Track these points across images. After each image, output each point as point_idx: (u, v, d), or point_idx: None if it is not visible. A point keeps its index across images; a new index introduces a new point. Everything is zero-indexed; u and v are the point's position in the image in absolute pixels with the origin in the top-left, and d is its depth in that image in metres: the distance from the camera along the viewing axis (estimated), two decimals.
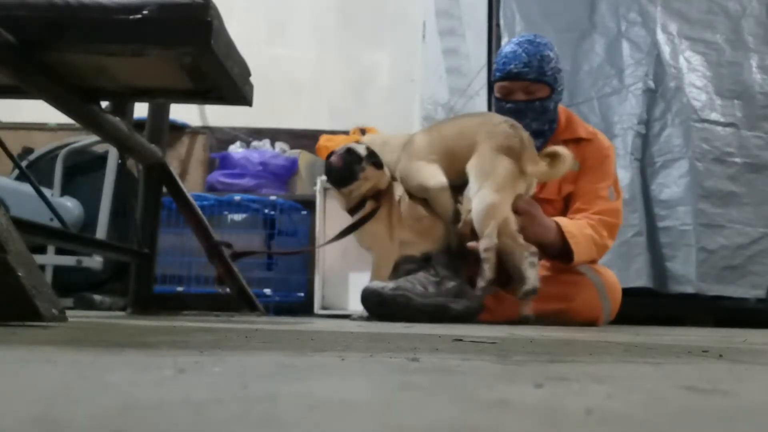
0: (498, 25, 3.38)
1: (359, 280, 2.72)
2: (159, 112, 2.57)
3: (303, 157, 4.19)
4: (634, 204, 3.09)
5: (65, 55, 1.62)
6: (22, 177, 3.02)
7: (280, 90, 4.53)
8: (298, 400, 0.40)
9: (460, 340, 1.07)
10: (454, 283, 2.20)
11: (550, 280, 2.25)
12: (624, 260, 3.03)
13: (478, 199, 2.13)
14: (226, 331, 1.17)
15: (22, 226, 1.59)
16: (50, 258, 3.25)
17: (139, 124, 2.40)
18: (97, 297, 3.10)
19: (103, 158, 3.40)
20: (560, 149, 2.14)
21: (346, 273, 3.43)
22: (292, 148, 4.32)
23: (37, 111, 3.22)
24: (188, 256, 3.44)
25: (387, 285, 2.18)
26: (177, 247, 3.43)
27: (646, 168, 3.22)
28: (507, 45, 2.50)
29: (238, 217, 3.69)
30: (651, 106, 3.26)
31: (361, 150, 2.32)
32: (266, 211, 3.66)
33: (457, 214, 2.24)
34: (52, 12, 1.52)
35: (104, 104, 2.02)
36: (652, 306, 3.12)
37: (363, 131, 4.04)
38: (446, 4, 4.06)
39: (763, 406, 0.44)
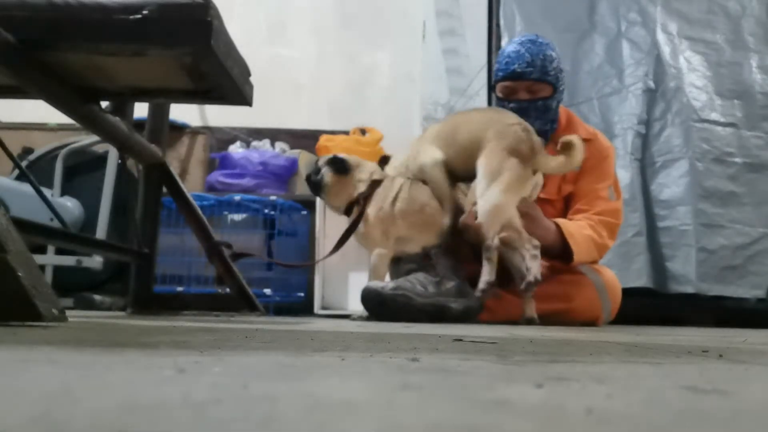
0: (498, 25, 3.38)
1: (359, 280, 2.72)
2: (159, 112, 2.57)
3: (303, 157, 4.18)
4: (634, 204, 3.09)
5: (65, 55, 1.62)
6: (22, 177, 3.02)
7: (280, 90, 4.53)
8: (298, 400, 0.40)
9: (460, 340, 1.07)
10: (454, 283, 2.20)
11: (550, 280, 2.25)
12: (624, 260, 3.03)
13: (486, 199, 2.12)
14: (226, 331, 1.17)
15: (22, 226, 1.60)
16: (50, 258, 3.25)
17: (139, 124, 2.40)
18: (97, 297, 3.10)
19: (103, 158, 3.39)
20: (573, 138, 2.13)
21: (346, 273, 3.43)
22: (292, 148, 4.31)
23: (37, 111, 3.22)
24: (188, 256, 3.44)
25: (387, 285, 2.18)
26: (177, 247, 3.43)
27: (646, 168, 3.22)
28: (509, 45, 2.50)
29: (238, 217, 3.69)
30: (651, 106, 3.26)
31: (322, 161, 2.48)
32: (266, 211, 3.66)
33: (456, 217, 2.23)
34: (52, 12, 1.52)
35: (104, 104, 2.02)
36: (652, 306, 3.12)
37: (363, 131, 4.04)
38: (446, 4, 4.06)
39: (763, 406, 0.44)
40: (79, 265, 3.22)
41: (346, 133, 4.05)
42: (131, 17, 1.51)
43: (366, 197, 2.37)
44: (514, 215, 2.15)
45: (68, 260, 3.22)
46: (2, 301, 1.04)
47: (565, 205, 2.44)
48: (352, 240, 2.44)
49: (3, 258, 1.04)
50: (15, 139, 3.61)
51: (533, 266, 2.11)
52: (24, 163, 3.33)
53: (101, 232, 3.22)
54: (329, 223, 3.46)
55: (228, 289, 2.55)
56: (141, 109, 2.48)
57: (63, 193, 3.45)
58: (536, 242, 2.14)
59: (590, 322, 2.28)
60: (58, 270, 3.31)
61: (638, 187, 3.16)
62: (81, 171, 3.52)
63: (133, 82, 1.89)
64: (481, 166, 2.17)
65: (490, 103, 3.21)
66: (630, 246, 3.06)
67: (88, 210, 3.46)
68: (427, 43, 4.40)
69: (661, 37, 3.31)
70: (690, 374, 0.64)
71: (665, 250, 3.14)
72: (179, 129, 4.03)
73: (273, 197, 3.69)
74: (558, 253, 2.27)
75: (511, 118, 2.22)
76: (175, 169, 3.26)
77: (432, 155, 2.27)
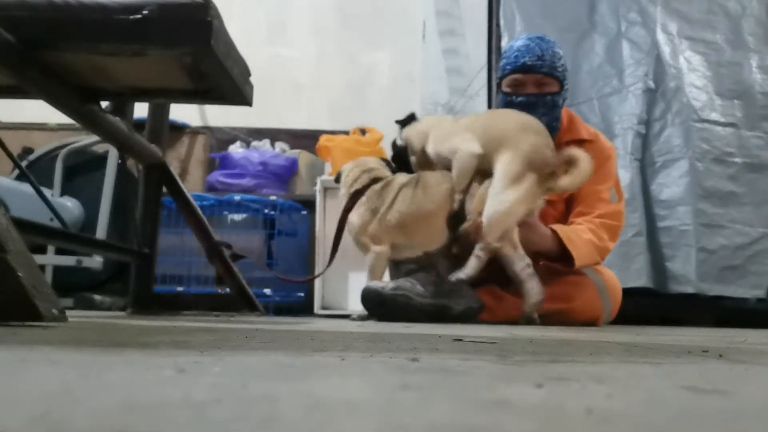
0: (498, 25, 3.38)
1: (359, 280, 2.72)
2: (159, 112, 2.57)
3: (303, 157, 4.18)
4: (634, 204, 3.09)
5: (65, 55, 1.63)
6: (22, 177, 3.02)
7: (280, 90, 4.53)
8: (298, 400, 0.40)
9: (460, 340, 1.07)
10: (454, 283, 2.20)
11: (550, 280, 2.25)
12: (624, 260, 3.03)
13: (497, 202, 2.10)
14: (226, 331, 1.17)
15: (22, 226, 1.59)
16: (50, 258, 3.25)
17: (139, 124, 2.40)
18: (97, 297, 3.10)
19: (103, 158, 3.40)
20: (575, 152, 2.11)
21: (346, 273, 3.43)
22: (292, 148, 4.31)
23: (37, 111, 3.22)
24: (188, 256, 3.44)
25: (387, 285, 2.18)
26: (177, 247, 3.43)
27: (646, 168, 3.22)
28: (517, 40, 2.50)
29: (238, 217, 3.69)
30: (651, 106, 3.26)
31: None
32: (266, 211, 3.66)
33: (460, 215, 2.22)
34: (52, 12, 1.52)
35: (104, 104, 2.02)
36: (652, 306, 3.11)
37: (363, 131, 4.04)
38: (446, 4, 4.06)
39: (763, 406, 0.44)
40: (79, 265, 3.22)
41: (346, 133, 4.06)
42: (131, 17, 1.51)
43: (357, 193, 2.35)
44: (514, 227, 2.15)
45: (68, 260, 3.23)
46: (2, 301, 1.04)
47: (566, 207, 2.44)
48: (352, 240, 2.44)
49: (3, 258, 1.04)
50: (15, 139, 3.62)
51: (533, 285, 2.12)
52: (24, 163, 3.33)
53: (101, 232, 3.22)
54: (329, 223, 3.46)
55: (228, 289, 2.55)
56: (141, 109, 2.48)
57: (63, 193, 3.45)
58: (528, 260, 2.15)
59: (590, 322, 2.27)
60: (58, 270, 3.31)
61: (638, 187, 3.16)
62: (81, 171, 3.52)
63: (133, 82, 1.89)
64: (501, 166, 2.14)
65: (490, 103, 3.20)
66: (630, 246, 3.06)
67: (88, 210, 3.46)
68: (427, 43, 4.40)
69: (661, 37, 3.31)
70: (690, 374, 0.64)
71: (665, 250, 3.14)
72: (179, 129, 4.03)
73: (273, 197, 3.69)
74: (558, 259, 2.27)
75: (543, 135, 2.18)
76: (175, 169, 3.26)
77: (472, 146, 2.20)
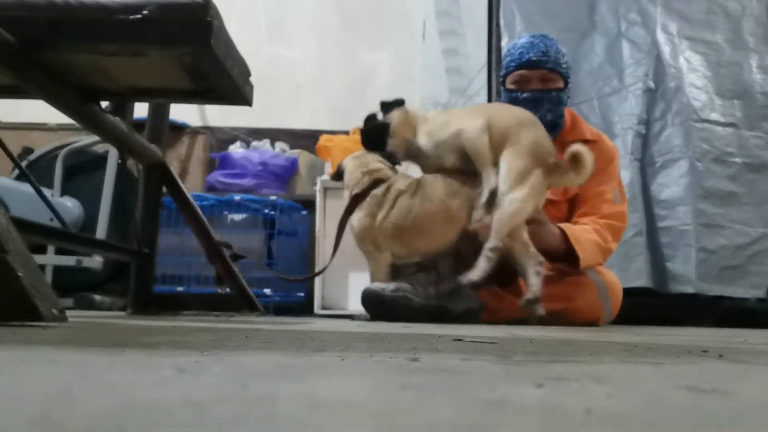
0: (498, 25, 3.37)
1: (359, 280, 2.72)
2: (159, 112, 2.57)
3: (303, 157, 4.18)
4: (634, 204, 3.09)
5: (65, 55, 1.63)
6: (22, 177, 3.02)
7: (280, 90, 4.53)
8: (298, 400, 0.40)
9: (460, 340, 1.07)
10: (455, 284, 2.20)
11: (551, 280, 2.24)
12: (624, 260, 3.03)
13: (506, 202, 2.09)
14: (226, 331, 1.17)
15: (22, 226, 1.60)
16: (50, 258, 3.25)
17: (139, 124, 2.40)
18: (97, 297, 3.10)
19: (103, 158, 3.40)
20: (580, 149, 2.10)
21: (346, 273, 3.43)
22: (292, 148, 4.31)
23: (37, 111, 3.22)
24: (188, 256, 3.44)
25: (387, 286, 2.18)
26: (177, 247, 3.43)
27: (646, 168, 3.22)
28: (521, 38, 2.52)
29: (238, 217, 3.69)
30: (651, 106, 3.26)
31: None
32: (266, 211, 3.66)
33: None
34: (52, 12, 1.52)
35: (104, 104, 2.02)
36: (652, 306, 3.11)
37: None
38: (446, 4, 4.06)
39: (763, 406, 0.44)
40: (79, 265, 3.22)
41: (346, 133, 4.05)
42: (131, 17, 1.51)
43: (357, 197, 2.34)
44: (523, 226, 2.14)
45: (68, 260, 3.22)
46: (2, 301, 1.04)
47: (570, 207, 2.43)
48: (352, 240, 2.44)
49: (3, 258, 1.04)
50: (15, 139, 3.62)
51: (535, 283, 2.11)
52: (24, 163, 3.33)
53: (101, 232, 3.22)
54: (329, 223, 3.46)
55: (228, 289, 2.55)
56: (141, 109, 2.48)
57: (63, 193, 3.45)
58: (541, 258, 2.13)
59: (591, 322, 2.27)
60: (58, 270, 3.31)
61: (638, 187, 3.16)
62: (81, 171, 3.52)
63: (133, 82, 1.89)
64: (506, 163, 2.13)
65: (490, 102, 3.20)
66: (630, 246, 3.06)
67: (88, 210, 3.46)
68: (427, 43, 4.40)
69: (661, 37, 3.31)
70: (690, 374, 0.64)
71: (665, 250, 3.14)
72: (179, 129, 4.03)
73: (273, 197, 3.69)
74: (563, 258, 2.27)
75: (539, 126, 2.19)
76: (175, 169, 3.26)
77: (474, 123, 2.17)
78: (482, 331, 1.45)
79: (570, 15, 3.42)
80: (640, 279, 3.04)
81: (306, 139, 4.35)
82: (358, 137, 3.94)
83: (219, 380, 0.49)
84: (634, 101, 3.26)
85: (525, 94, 2.37)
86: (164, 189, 2.53)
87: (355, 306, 2.75)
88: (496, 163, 2.17)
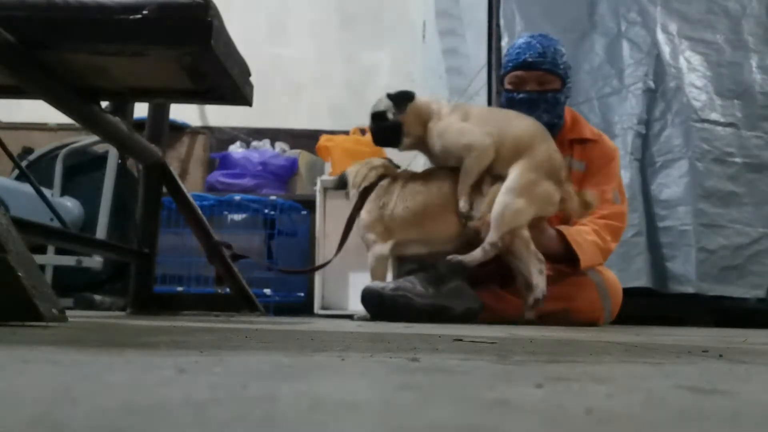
0: (498, 25, 3.38)
1: (359, 280, 2.72)
2: (159, 112, 2.57)
3: (303, 157, 4.18)
4: (634, 204, 3.09)
5: (65, 55, 1.62)
6: (22, 177, 3.02)
7: (280, 90, 4.53)
8: (298, 400, 0.40)
9: (460, 340, 1.07)
10: (455, 284, 2.20)
11: (551, 280, 2.24)
12: (624, 260, 3.03)
13: (508, 198, 2.12)
14: (226, 331, 1.17)
15: (22, 226, 1.60)
16: (50, 258, 3.25)
17: (139, 124, 2.40)
18: (97, 297, 3.10)
19: (103, 158, 3.40)
20: (592, 199, 2.19)
21: (346, 273, 3.43)
22: (292, 148, 4.31)
23: (37, 111, 3.22)
24: (188, 256, 3.44)
25: (387, 285, 2.18)
26: (177, 247, 3.43)
27: (646, 168, 3.22)
28: (519, 38, 2.52)
29: (238, 217, 3.69)
30: (651, 106, 3.26)
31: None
32: (266, 211, 3.66)
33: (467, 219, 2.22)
34: (52, 12, 1.52)
35: (104, 104, 2.02)
36: (652, 306, 3.11)
37: (363, 131, 4.04)
38: (446, 4, 4.06)
39: (763, 406, 0.44)
40: (79, 265, 3.22)
41: (346, 133, 4.05)
42: (131, 17, 1.51)
43: (366, 190, 2.36)
44: (525, 226, 2.16)
45: (68, 260, 3.23)
46: (2, 301, 1.04)
47: None
48: (352, 240, 2.44)
49: (3, 258, 1.04)
50: (15, 139, 3.62)
51: (540, 282, 2.12)
52: (24, 163, 3.33)
53: (101, 232, 3.22)
54: (329, 223, 3.46)
55: (228, 289, 2.55)
56: (141, 109, 2.48)
57: (63, 193, 3.45)
58: (541, 257, 2.15)
59: (591, 323, 2.27)
60: (58, 270, 3.31)
61: (638, 187, 3.16)
62: (81, 171, 3.52)
63: (133, 82, 1.89)
64: (517, 169, 2.16)
65: (490, 103, 3.20)
66: (630, 246, 3.06)
67: (88, 210, 3.46)
68: (427, 43, 4.40)
69: (661, 37, 3.31)
70: (690, 374, 0.64)
71: (665, 250, 3.14)
72: (179, 129, 4.03)
73: (273, 197, 3.69)
74: (563, 260, 2.27)
75: (550, 140, 2.23)
76: (175, 169, 3.26)
77: (486, 144, 2.21)
78: (482, 331, 1.45)
79: (570, 15, 3.42)
80: (640, 279, 3.03)
81: (306, 139, 4.35)
82: (358, 137, 3.96)
83: (219, 380, 0.49)
84: (634, 101, 3.26)
85: (521, 95, 2.37)
86: (164, 189, 2.53)
87: (355, 306, 2.75)
88: (501, 177, 2.21)
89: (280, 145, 4.29)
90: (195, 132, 4.19)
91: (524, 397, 0.44)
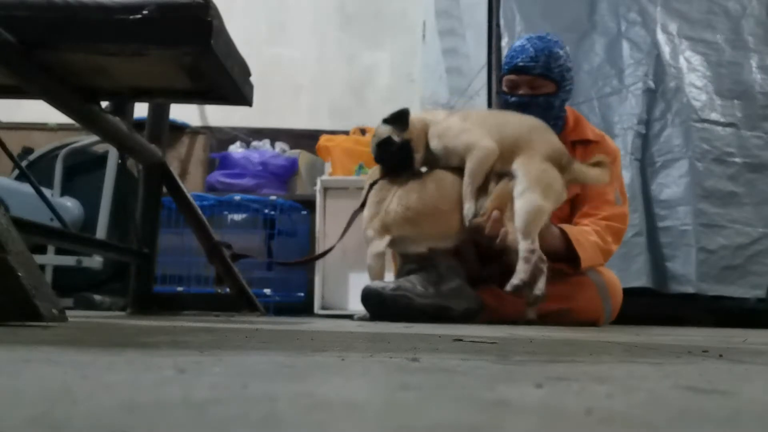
0: (498, 25, 3.38)
1: (359, 280, 2.72)
2: (159, 112, 2.57)
3: (303, 157, 4.18)
4: (634, 204, 3.09)
5: (65, 55, 1.62)
6: (22, 177, 3.02)
7: (280, 90, 4.53)
8: (298, 400, 0.40)
9: (460, 340, 1.07)
10: (455, 284, 2.20)
11: (551, 280, 2.24)
12: (624, 260, 3.03)
13: (529, 200, 2.11)
14: (226, 331, 1.17)
15: (22, 226, 1.60)
16: (50, 258, 3.25)
17: (139, 124, 2.40)
18: (97, 297, 3.10)
19: (103, 158, 3.40)
20: (604, 158, 2.18)
21: (346, 273, 3.43)
22: (292, 148, 4.31)
23: (37, 111, 3.22)
24: (188, 256, 3.44)
25: (387, 285, 2.18)
26: (177, 247, 3.43)
27: (646, 168, 3.22)
28: (518, 40, 2.51)
29: (238, 217, 3.69)
30: (651, 106, 3.26)
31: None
32: (266, 211, 3.66)
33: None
34: (52, 12, 1.52)
35: (104, 104, 2.02)
36: (652, 306, 3.11)
37: (363, 131, 4.04)
38: (446, 4, 4.06)
39: (763, 406, 0.44)
40: (79, 265, 3.22)
41: (346, 133, 4.05)
42: (131, 17, 1.51)
43: (373, 185, 2.36)
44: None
45: (68, 260, 3.23)
46: (2, 301, 1.04)
47: (571, 207, 2.43)
48: (352, 240, 2.44)
49: (3, 258, 1.04)
50: (15, 139, 3.62)
51: (540, 282, 2.12)
52: (24, 163, 3.33)
53: (101, 232, 3.22)
54: (329, 223, 3.46)
55: (227, 289, 2.55)
56: (141, 109, 2.48)
57: (63, 193, 3.45)
58: (544, 257, 2.15)
59: (591, 323, 2.27)
60: (58, 270, 3.31)
61: (638, 187, 3.16)
62: (81, 171, 3.52)
63: (133, 82, 1.89)
64: (522, 166, 2.16)
65: (490, 103, 3.21)
66: (630, 246, 3.06)
67: (88, 210, 3.46)
68: (427, 43, 4.40)
69: (661, 37, 3.31)
70: (690, 374, 0.64)
71: (665, 250, 3.14)
72: (179, 129, 4.03)
73: (273, 197, 3.69)
74: (564, 259, 2.27)
75: (550, 131, 2.24)
76: (175, 169, 3.26)
77: (489, 144, 2.22)
78: (482, 331, 1.45)
79: (570, 15, 3.42)
80: (640, 279, 3.03)
81: (306, 139, 4.35)
82: (358, 137, 3.96)
83: (219, 380, 0.49)
84: (634, 101, 3.26)
85: (513, 98, 2.38)
86: (164, 189, 2.53)
87: (355, 306, 2.75)
88: (502, 174, 2.21)
89: (280, 145, 4.29)
90: (195, 132, 4.19)
91: (524, 397, 0.44)
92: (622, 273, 2.85)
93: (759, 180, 3.21)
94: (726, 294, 3.08)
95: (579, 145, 2.42)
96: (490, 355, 0.77)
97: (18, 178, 3.26)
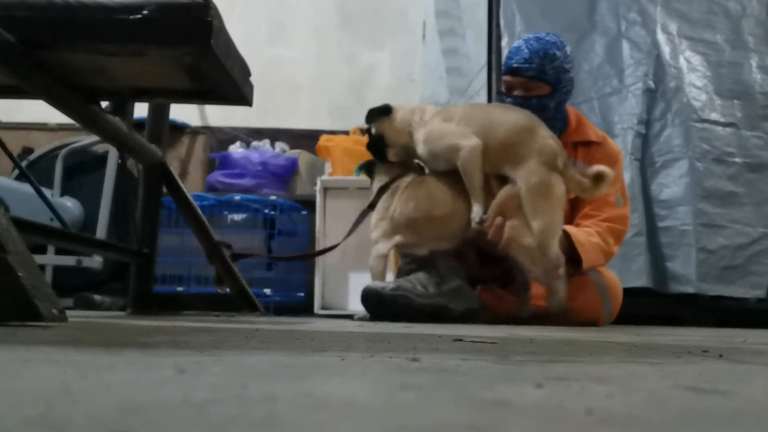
0: (498, 25, 3.38)
1: (359, 280, 2.72)
2: (159, 112, 2.57)
3: (303, 157, 4.18)
4: (634, 204, 3.09)
5: (65, 55, 1.62)
6: (22, 177, 3.02)
7: (280, 90, 4.53)
8: (298, 400, 0.40)
9: (460, 340, 1.07)
10: (455, 284, 2.20)
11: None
12: (624, 260, 3.03)
13: (544, 221, 2.12)
14: (226, 331, 1.17)
15: (22, 226, 1.59)
16: (50, 258, 3.25)
17: (139, 124, 2.40)
18: (97, 297, 3.10)
19: (103, 158, 3.40)
20: (608, 172, 2.13)
21: (346, 273, 3.43)
22: (292, 148, 4.31)
23: (37, 111, 3.22)
24: (188, 256, 3.44)
25: (387, 285, 2.18)
26: (177, 247, 3.43)
27: (646, 168, 3.22)
28: (518, 40, 2.51)
29: (238, 217, 3.69)
30: (651, 106, 3.26)
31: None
32: (266, 211, 3.66)
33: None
34: (52, 12, 1.52)
35: (104, 104, 2.02)
36: (652, 306, 3.11)
37: (363, 131, 4.04)
38: (446, 4, 4.06)
39: (763, 406, 0.44)
40: (79, 265, 3.22)
41: (346, 133, 4.05)
42: (131, 17, 1.51)
43: (381, 189, 2.37)
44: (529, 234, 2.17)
45: (68, 260, 3.23)
46: (2, 301, 1.04)
47: (572, 208, 2.43)
48: (352, 240, 2.44)
49: (3, 258, 1.04)
50: (15, 139, 3.62)
51: (560, 288, 2.14)
52: (24, 163, 3.33)
53: (101, 232, 3.22)
54: (329, 223, 3.46)
55: (227, 289, 2.55)
56: (141, 109, 2.48)
57: (63, 193, 3.45)
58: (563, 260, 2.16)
59: (591, 323, 2.27)
60: (58, 270, 3.31)
61: (638, 187, 3.16)
62: (81, 171, 3.52)
63: (133, 82, 1.89)
64: (524, 180, 2.15)
65: (489, 102, 3.21)
66: (630, 246, 3.06)
67: (88, 210, 3.46)
68: (427, 43, 4.40)
69: (661, 37, 3.31)
70: (690, 374, 0.64)
71: (665, 250, 3.14)
72: (179, 129, 4.03)
73: (273, 197, 3.69)
74: (566, 260, 2.27)
75: (544, 130, 2.20)
76: (175, 169, 3.26)
77: (471, 141, 2.20)
78: (482, 331, 1.45)
79: (570, 15, 3.42)
80: (640, 279, 3.03)
81: (306, 139, 4.35)
82: (358, 137, 3.96)
83: (219, 380, 0.49)
84: (634, 101, 3.26)
85: (508, 100, 2.39)
86: (164, 189, 2.53)
87: (355, 306, 2.75)
88: (494, 174, 2.21)
89: (280, 145, 4.29)
90: (195, 132, 4.19)
91: (524, 397, 0.44)
92: (622, 273, 2.84)
93: (759, 180, 3.21)
94: (726, 294, 3.08)
95: (581, 146, 2.42)
96: (490, 355, 0.77)
97: (18, 178, 3.26)
